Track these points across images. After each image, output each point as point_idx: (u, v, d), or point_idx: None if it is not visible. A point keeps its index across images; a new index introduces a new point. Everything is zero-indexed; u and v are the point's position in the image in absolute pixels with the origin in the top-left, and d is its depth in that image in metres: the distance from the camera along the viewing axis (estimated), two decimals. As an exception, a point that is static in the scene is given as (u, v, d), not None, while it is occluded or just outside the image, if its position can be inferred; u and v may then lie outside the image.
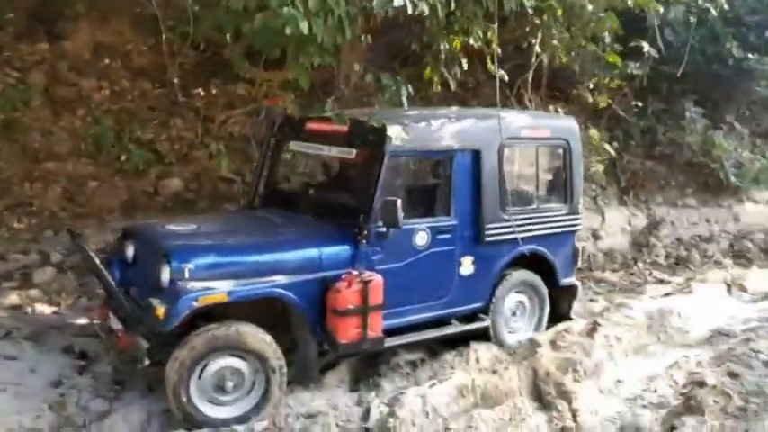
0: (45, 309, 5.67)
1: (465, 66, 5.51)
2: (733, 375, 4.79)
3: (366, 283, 4.21)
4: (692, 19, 7.39)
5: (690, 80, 9.47)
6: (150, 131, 7.39)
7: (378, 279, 4.29)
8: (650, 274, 8.50)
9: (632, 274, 8.69)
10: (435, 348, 5.22)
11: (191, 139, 7.52)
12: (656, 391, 4.71)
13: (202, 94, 8.19)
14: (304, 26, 4.19)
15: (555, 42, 5.62)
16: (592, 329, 5.59)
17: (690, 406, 4.23)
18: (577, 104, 8.06)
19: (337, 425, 4.06)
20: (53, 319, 5.40)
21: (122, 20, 8.42)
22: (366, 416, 4.16)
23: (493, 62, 4.95)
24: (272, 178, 5.65)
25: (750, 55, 9.93)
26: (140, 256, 4.60)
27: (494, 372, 4.70)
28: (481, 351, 5.07)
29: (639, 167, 9.94)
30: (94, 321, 4.82)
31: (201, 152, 7.50)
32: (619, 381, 4.94)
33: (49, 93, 7.37)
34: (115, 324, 4.38)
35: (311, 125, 5.23)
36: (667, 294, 7.42)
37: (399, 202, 4.29)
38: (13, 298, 5.71)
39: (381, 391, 4.62)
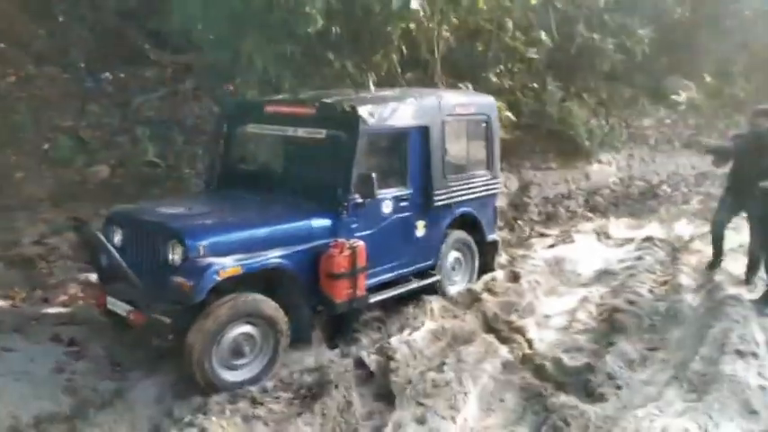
0: (1, 303, 5.60)
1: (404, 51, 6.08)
2: (631, 302, 6.00)
3: (354, 248, 4.81)
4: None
5: (547, 57, 10.88)
6: (69, 119, 7.27)
7: (362, 245, 4.89)
8: (532, 229, 9.76)
9: (514, 230, 9.94)
10: (388, 306, 5.93)
11: (111, 124, 7.49)
12: (578, 320, 5.78)
13: (111, 77, 8.12)
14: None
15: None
16: (514, 277, 6.62)
17: (614, 327, 5.35)
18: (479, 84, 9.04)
19: (331, 377, 4.62)
20: (26, 312, 5.36)
21: (12, 3, 8.08)
22: (360, 364, 4.76)
23: (432, 50, 5.54)
24: (229, 160, 5.92)
25: (595, 35, 11.52)
26: (133, 239, 4.75)
27: (455, 317, 5.53)
28: (434, 303, 5.86)
29: (510, 136, 11.22)
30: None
31: (123, 138, 7.52)
32: (546, 316, 5.98)
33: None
34: (119, 307, 4.60)
35: (271, 108, 5.59)
36: (552, 246, 8.67)
37: (374, 175, 4.89)
38: (-37, 294, 5.59)
39: (360, 344, 5.23)
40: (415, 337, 5.05)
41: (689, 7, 14.62)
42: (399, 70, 6.49)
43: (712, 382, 4.14)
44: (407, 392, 4.15)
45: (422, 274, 5.89)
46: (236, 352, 4.47)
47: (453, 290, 6.22)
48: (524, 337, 5.23)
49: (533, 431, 3.96)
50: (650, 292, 6.41)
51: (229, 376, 4.45)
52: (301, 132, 5.40)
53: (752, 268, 6.63)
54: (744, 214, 6.76)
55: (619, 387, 4.34)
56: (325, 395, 4.16)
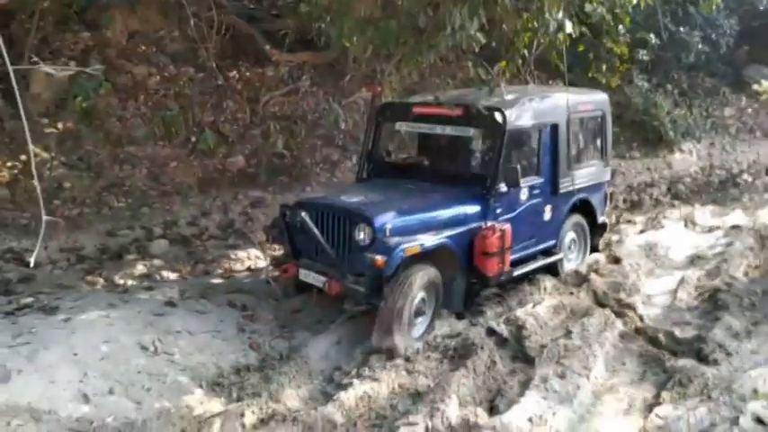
0: (171, 275, 6.54)
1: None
2: (728, 284, 6.53)
3: (503, 231, 5.62)
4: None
5: (632, 49, 11.28)
6: (210, 114, 8.19)
7: (508, 227, 5.68)
8: (620, 216, 10.27)
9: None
10: (503, 285, 6.61)
11: (244, 119, 8.38)
12: (680, 299, 6.36)
13: (238, 76, 9.01)
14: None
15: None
16: (615, 260, 7.23)
17: (717, 305, 5.91)
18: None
19: (474, 341, 5.35)
20: (195, 283, 6.28)
21: (149, 8, 9.02)
22: (492, 333, 5.47)
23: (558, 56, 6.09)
24: (379, 154, 6.73)
25: (681, 28, 11.86)
26: (323, 223, 5.48)
27: (571, 293, 6.20)
28: (547, 282, 6.53)
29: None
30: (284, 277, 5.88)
31: (255, 131, 8.40)
32: (649, 295, 6.57)
33: (108, 80, 7.97)
34: (312, 278, 5.48)
35: (419, 109, 6.33)
36: (642, 231, 9.19)
37: (519, 167, 5.65)
38: (140, 268, 6.56)
39: (485, 316, 5.95)
40: (538, 310, 5.73)
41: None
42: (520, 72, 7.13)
43: (816, 351, 4.71)
44: (545, 354, 4.85)
45: (546, 253, 6.62)
46: (418, 312, 5.32)
47: (568, 267, 6.93)
48: (635, 312, 5.85)
49: (656, 387, 4.60)
50: (745, 275, 6.92)
51: (413, 332, 5.29)
52: (449, 131, 6.20)
53: None
54: None
55: (729, 354, 4.95)
56: (472, 355, 4.88)
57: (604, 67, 7.76)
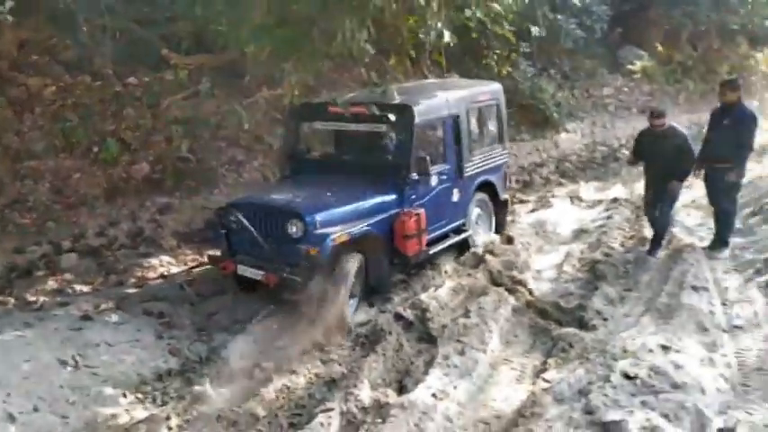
0: (83, 288, 6.58)
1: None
2: (607, 255, 7.28)
3: (418, 215, 6.34)
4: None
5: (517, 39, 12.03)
6: (110, 122, 8.17)
7: (423, 211, 6.40)
8: (513, 196, 10.99)
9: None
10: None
11: (146, 125, 8.39)
12: (566, 272, 7.05)
13: (136, 82, 8.98)
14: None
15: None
16: (509, 240, 7.87)
17: (596, 275, 6.63)
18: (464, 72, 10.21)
19: (383, 327, 5.74)
20: (108, 294, 6.36)
21: (38, 17, 8.82)
22: (399, 317, 5.90)
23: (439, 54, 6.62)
24: (298, 152, 7.21)
25: (559, 16, 12.71)
26: (257, 220, 5.93)
27: (468, 275, 6.75)
28: (447, 265, 7.09)
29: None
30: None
31: (158, 137, 8.44)
32: (539, 270, 7.25)
33: (1, 94, 7.81)
34: (250, 272, 5.96)
35: (334, 108, 6.72)
36: (533, 210, 9.94)
37: (428, 157, 6.33)
38: (51, 283, 6.57)
39: (393, 302, 6.41)
40: (439, 293, 6.23)
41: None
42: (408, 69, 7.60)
43: (675, 311, 5.43)
44: (446, 334, 5.34)
45: (457, 231, 7.37)
46: (351, 295, 5.96)
47: (478, 240, 7.66)
48: (525, 287, 6.47)
49: (544, 355, 5.20)
50: (621, 245, 7.72)
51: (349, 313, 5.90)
52: (363, 127, 6.70)
53: (656, 240, 7.28)
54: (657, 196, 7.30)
55: (605, 319, 5.63)
56: (381, 340, 5.32)
57: (495, 55, 8.33)
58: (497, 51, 10.10)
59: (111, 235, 7.47)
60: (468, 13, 6.54)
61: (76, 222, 7.40)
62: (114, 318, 5.73)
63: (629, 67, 15.92)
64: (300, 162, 7.13)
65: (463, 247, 7.46)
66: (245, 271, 5.98)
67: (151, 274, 7.02)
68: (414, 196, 6.50)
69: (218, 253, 6.42)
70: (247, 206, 6.11)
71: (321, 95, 8.69)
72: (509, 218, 9.19)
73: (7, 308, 5.94)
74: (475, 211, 7.67)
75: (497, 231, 8.10)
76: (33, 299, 6.18)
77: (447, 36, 5.86)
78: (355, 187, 6.38)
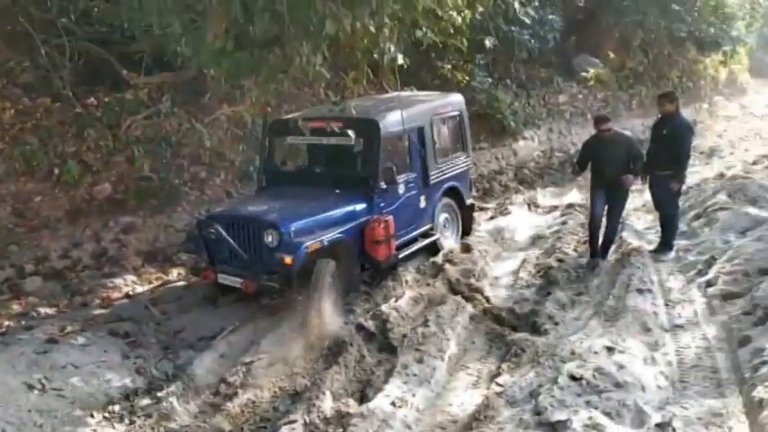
0: (48, 311, 6.65)
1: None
2: (560, 260, 7.58)
3: (386, 222, 6.70)
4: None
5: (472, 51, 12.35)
6: (71, 143, 8.23)
7: (391, 218, 6.78)
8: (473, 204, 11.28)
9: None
10: (369, 282, 7.31)
11: (107, 146, 8.46)
12: (521, 278, 7.34)
13: (96, 103, 9.04)
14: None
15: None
16: (467, 249, 8.12)
17: (549, 281, 6.92)
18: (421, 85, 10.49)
19: (345, 338, 5.93)
20: (72, 316, 6.44)
21: (-4, 38, 8.85)
22: (361, 328, 6.11)
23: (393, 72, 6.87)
24: (273, 164, 7.58)
25: (513, 27, 13.09)
26: (234, 231, 6.26)
27: (427, 284, 6.98)
28: (407, 275, 7.31)
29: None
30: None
31: (119, 157, 8.52)
32: (496, 277, 7.52)
33: (-41, 119, 7.83)
34: (229, 280, 6.29)
35: (306, 124, 6.88)
36: (492, 218, 10.24)
37: (394, 167, 6.74)
38: (15, 307, 6.63)
39: (356, 313, 6.60)
40: (400, 303, 6.44)
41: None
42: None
43: (621, 313, 5.72)
44: (405, 343, 5.56)
45: (425, 235, 7.76)
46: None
47: (446, 243, 8.04)
48: (482, 295, 6.72)
49: (499, 360, 5.45)
50: (574, 250, 8.04)
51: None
52: (333, 140, 6.98)
53: (607, 245, 7.54)
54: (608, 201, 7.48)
55: (556, 323, 5.89)
56: (343, 352, 5.51)
57: (450, 67, 8.68)
58: (452, 63, 10.41)
59: (75, 256, 7.55)
60: (419, 33, 6.81)
61: (39, 245, 7.46)
62: (80, 339, 5.80)
63: (584, 74, 16.39)
64: (276, 174, 7.54)
65: (432, 249, 7.85)
66: (226, 279, 6.32)
67: (116, 295, 7.12)
68: (382, 204, 6.88)
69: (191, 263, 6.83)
70: (226, 218, 6.47)
71: (281, 112, 8.87)
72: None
73: (-29, 333, 5.99)
74: (442, 216, 8.08)
75: (464, 234, 8.55)
76: (-3, 323, 6.24)
77: (400, 59, 6.11)
78: (327, 197, 6.76)
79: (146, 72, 9.38)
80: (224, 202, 8.85)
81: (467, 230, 8.61)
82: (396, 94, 8.25)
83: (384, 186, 6.81)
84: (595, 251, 7.55)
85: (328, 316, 6.04)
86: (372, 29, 5.07)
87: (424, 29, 6.73)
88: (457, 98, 8.66)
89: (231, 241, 6.17)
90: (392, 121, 7.05)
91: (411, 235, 7.49)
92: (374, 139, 6.83)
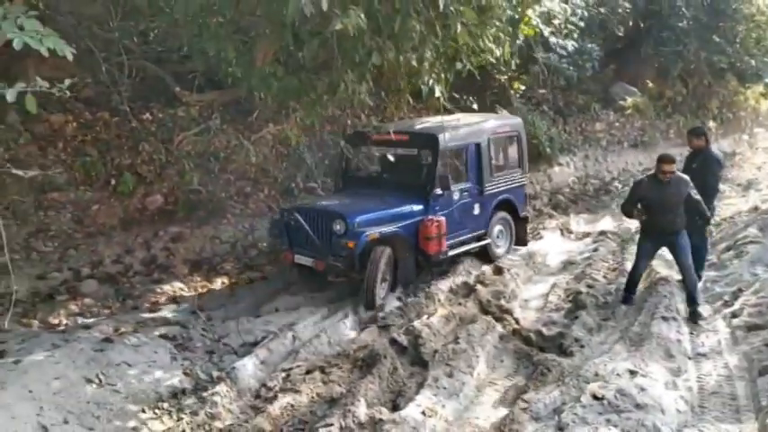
0: (102, 312, 7.11)
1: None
2: (590, 286, 7.80)
3: (439, 221, 7.67)
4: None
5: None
6: (127, 156, 8.75)
7: (443, 219, 7.74)
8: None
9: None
10: (404, 300, 7.61)
11: (160, 159, 8.97)
12: (551, 302, 7.57)
13: (151, 118, 9.58)
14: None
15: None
16: (499, 271, 8.39)
17: (577, 305, 7.14)
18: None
19: (379, 351, 6.24)
20: (125, 318, 6.89)
21: (59, 56, 9.44)
22: (394, 342, 6.40)
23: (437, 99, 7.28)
24: (349, 170, 8.74)
25: (551, 56, 13.38)
26: (309, 220, 7.34)
27: (459, 304, 7.27)
28: (440, 294, 7.60)
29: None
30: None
31: (171, 170, 9.02)
32: (526, 300, 7.77)
33: (27, 130, 8.41)
34: (304, 260, 7.42)
35: (377, 137, 8.04)
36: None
37: (449, 176, 7.75)
38: (73, 308, 7.10)
39: (389, 329, 6.90)
40: (432, 320, 6.74)
41: (631, 22, 16.58)
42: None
43: (646, 339, 5.93)
44: (436, 358, 5.84)
45: (478, 239, 8.66)
46: (383, 279, 7.38)
47: (498, 251, 9.01)
48: (512, 316, 6.98)
49: (526, 378, 5.70)
50: (604, 277, 8.24)
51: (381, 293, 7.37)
52: (400, 151, 8.12)
53: (691, 299, 6.82)
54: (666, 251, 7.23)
55: (582, 346, 6.12)
56: (377, 363, 5.81)
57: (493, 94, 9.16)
58: (495, 91, 10.81)
59: (127, 262, 8.02)
60: (459, 66, 7.20)
61: (95, 251, 7.95)
62: (133, 340, 6.21)
63: (621, 102, 16.56)
64: (350, 179, 8.69)
65: (486, 256, 8.77)
66: (301, 259, 7.43)
67: (164, 300, 7.55)
68: (437, 207, 7.84)
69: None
70: (304, 209, 7.58)
71: (324, 133, 9.33)
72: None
73: (33, 330, 6.46)
74: (496, 228, 8.98)
75: (518, 244, 9.42)
76: (56, 321, 6.72)
77: (437, 92, 6.51)
78: (391, 198, 7.81)
79: (198, 90, 9.88)
80: (266, 216, 9.29)
81: (522, 241, 9.39)
82: (457, 115, 9.19)
83: (440, 192, 7.75)
84: (630, 288, 7.24)
85: (378, 292, 7.15)
86: (414, 62, 5.43)
87: (464, 60, 7.06)
88: (516, 120, 9.68)
89: (308, 228, 7.22)
90: (450, 137, 7.92)
91: (464, 237, 8.39)
92: (434, 151, 7.79)
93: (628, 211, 6.99)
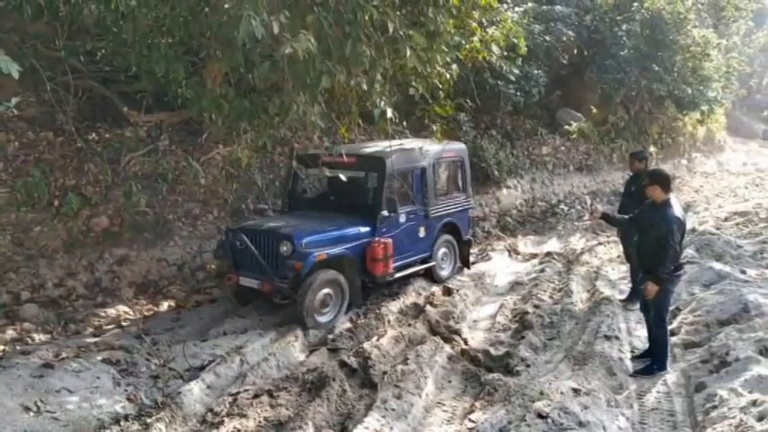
0: (42, 337, 6.90)
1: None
2: (536, 306, 7.96)
3: (386, 243, 7.77)
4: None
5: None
6: (71, 177, 8.56)
7: (390, 241, 7.86)
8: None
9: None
10: (354, 321, 7.63)
11: (106, 180, 8.80)
12: (498, 322, 7.69)
13: (97, 138, 9.41)
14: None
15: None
16: (448, 292, 8.49)
17: (524, 325, 7.27)
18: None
19: (328, 373, 6.24)
20: (66, 343, 6.69)
21: (3, 73, 9.22)
22: (343, 364, 6.41)
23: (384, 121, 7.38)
24: (296, 191, 8.88)
25: (499, 82, 13.71)
26: (256, 241, 7.34)
27: (409, 325, 7.31)
28: (390, 315, 7.64)
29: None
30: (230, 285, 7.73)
31: (117, 191, 8.85)
32: (475, 320, 7.88)
33: (-35, 149, 8.15)
34: (250, 282, 7.40)
35: (327, 158, 7.89)
36: (473, 262, 10.61)
37: (396, 198, 7.94)
38: (11, 332, 6.86)
39: (337, 351, 6.90)
40: (381, 342, 6.76)
41: (576, 50, 17.11)
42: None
43: (589, 358, 6.10)
44: (385, 380, 5.86)
45: (423, 261, 8.86)
46: (324, 304, 7.39)
47: (442, 273, 9.24)
48: (461, 337, 7.06)
49: (473, 398, 5.76)
50: (550, 297, 8.43)
51: (321, 319, 7.35)
52: (347, 173, 7.84)
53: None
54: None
55: (528, 366, 6.23)
56: (326, 386, 5.80)
57: (434, 126, 9.35)
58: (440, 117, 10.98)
59: (70, 285, 7.81)
60: (411, 90, 7.37)
61: (36, 273, 7.73)
62: (74, 365, 6.03)
63: (567, 127, 17.04)
64: (297, 200, 8.83)
65: (431, 276, 9.04)
66: (246, 281, 7.41)
67: (108, 324, 7.37)
68: (384, 229, 7.98)
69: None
70: (251, 230, 7.54)
71: (275, 154, 9.32)
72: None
73: (-31, 356, 6.21)
74: (441, 251, 9.15)
75: (462, 266, 9.66)
76: (-6, 347, 6.47)
77: (389, 112, 6.64)
78: (338, 219, 7.91)
79: (146, 111, 9.80)
80: (215, 238, 9.20)
81: (465, 263, 9.56)
82: (406, 140, 9.42)
83: (387, 214, 7.88)
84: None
85: (318, 316, 7.24)
86: (364, 85, 5.52)
87: (414, 83, 7.21)
88: (460, 146, 9.83)
89: (254, 249, 7.20)
90: (397, 161, 8.09)
91: (409, 259, 8.54)
92: (381, 174, 7.95)
93: (619, 219, 6.96)
